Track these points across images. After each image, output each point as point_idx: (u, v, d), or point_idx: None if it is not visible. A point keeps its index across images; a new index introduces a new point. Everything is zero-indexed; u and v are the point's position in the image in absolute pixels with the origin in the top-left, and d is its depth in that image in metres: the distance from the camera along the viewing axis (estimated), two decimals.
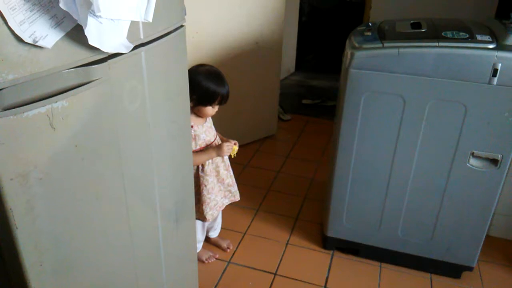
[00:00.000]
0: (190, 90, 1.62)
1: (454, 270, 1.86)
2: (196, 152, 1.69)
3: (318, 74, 4.27)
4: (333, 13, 4.41)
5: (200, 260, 1.92)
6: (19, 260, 0.72)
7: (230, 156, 1.75)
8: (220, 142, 1.79)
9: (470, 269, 1.84)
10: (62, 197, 0.77)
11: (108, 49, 0.74)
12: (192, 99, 1.65)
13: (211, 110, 1.69)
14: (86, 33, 0.68)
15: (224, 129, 1.88)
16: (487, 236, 2.08)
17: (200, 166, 1.72)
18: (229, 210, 2.07)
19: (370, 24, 1.91)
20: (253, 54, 2.63)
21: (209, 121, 1.78)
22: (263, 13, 2.57)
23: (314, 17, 4.40)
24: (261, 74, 2.75)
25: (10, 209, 0.68)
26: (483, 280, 1.87)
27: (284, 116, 3.33)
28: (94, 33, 0.70)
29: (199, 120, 1.72)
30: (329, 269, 1.91)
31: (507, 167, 1.62)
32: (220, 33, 2.44)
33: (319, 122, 3.28)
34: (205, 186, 1.74)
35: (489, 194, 1.68)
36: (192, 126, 1.68)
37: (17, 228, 0.69)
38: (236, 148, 1.73)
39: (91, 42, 0.70)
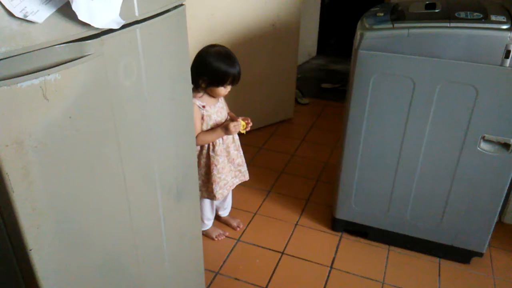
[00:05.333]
0: (201, 71, 1.67)
1: (463, 255, 1.85)
2: (205, 132, 1.73)
3: (340, 58, 4.22)
4: None
5: (210, 237, 1.98)
6: (17, 223, 0.77)
7: (241, 133, 1.77)
8: None
9: (480, 254, 1.82)
10: (57, 165, 0.81)
11: (99, 24, 0.78)
12: (204, 80, 1.69)
13: (223, 90, 1.72)
14: (73, 8, 0.71)
15: (240, 112, 1.90)
16: (501, 223, 2.05)
17: (210, 146, 1.76)
18: (241, 190, 2.12)
19: (384, 4, 1.88)
20: (269, 37, 2.64)
21: (221, 101, 1.81)
22: None
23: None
24: (278, 57, 2.75)
25: (6, 173, 0.73)
26: (494, 266, 1.85)
27: (302, 100, 3.32)
28: (84, 9, 0.74)
29: (212, 100, 1.75)
30: (336, 250, 1.92)
31: None
32: (236, 15, 2.45)
33: (337, 106, 3.26)
34: (216, 165, 1.78)
35: (500, 179, 1.65)
36: (204, 106, 1.72)
37: (13, 191, 0.74)
38: (244, 124, 1.75)
39: (81, 17, 0.74)
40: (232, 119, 1.82)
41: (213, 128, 1.74)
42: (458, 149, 1.64)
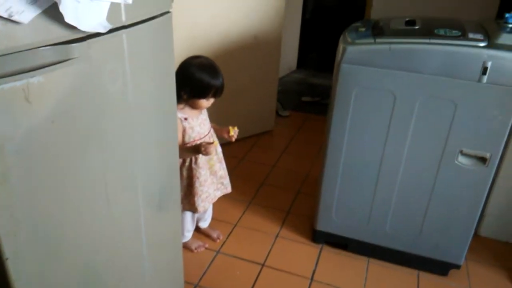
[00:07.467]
0: (183, 83, 1.64)
1: (441, 268, 1.87)
2: (182, 147, 1.70)
3: (320, 72, 4.28)
4: (337, 11, 4.41)
5: (189, 249, 1.95)
6: None
7: (230, 140, 1.76)
8: (214, 135, 1.80)
9: (457, 267, 1.85)
10: (38, 171, 0.79)
11: (86, 28, 0.76)
12: (185, 91, 1.66)
13: (205, 102, 1.69)
14: (61, 10, 0.70)
15: (221, 123, 1.89)
16: (477, 236, 2.09)
17: (193, 159, 1.74)
18: (222, 202, 2.09)
19: (366, 20, 1.92)
20: (251, 48, 2.65)
21: (204, 113, 1.79)
22: (262, 4, 2.58)
23: (318, 15, 4.40)
24: (259, 69, 2.77)
25: None
26: (470, 278, 1.87)
27: (282, 112, 3.34)
28: (71, 11, 0.72)
29: (194, 112, 1.73)
30: (316, 262, 1.92)
31: (496, 165, 1.62)
32: (219, 25, 2.46)
33: (317, 119, 3.29)
34: (198, 178, 1.76)
35: (477, 192, 1.68)
36: (186, 119, 1.69)
37: None
38: (233, 131, 1.74)
39: (67, 20, 0.72)
40: (216, 131, 1.80)
41: (188, 146, 1.71)
42: (436, 162, 1.68)
